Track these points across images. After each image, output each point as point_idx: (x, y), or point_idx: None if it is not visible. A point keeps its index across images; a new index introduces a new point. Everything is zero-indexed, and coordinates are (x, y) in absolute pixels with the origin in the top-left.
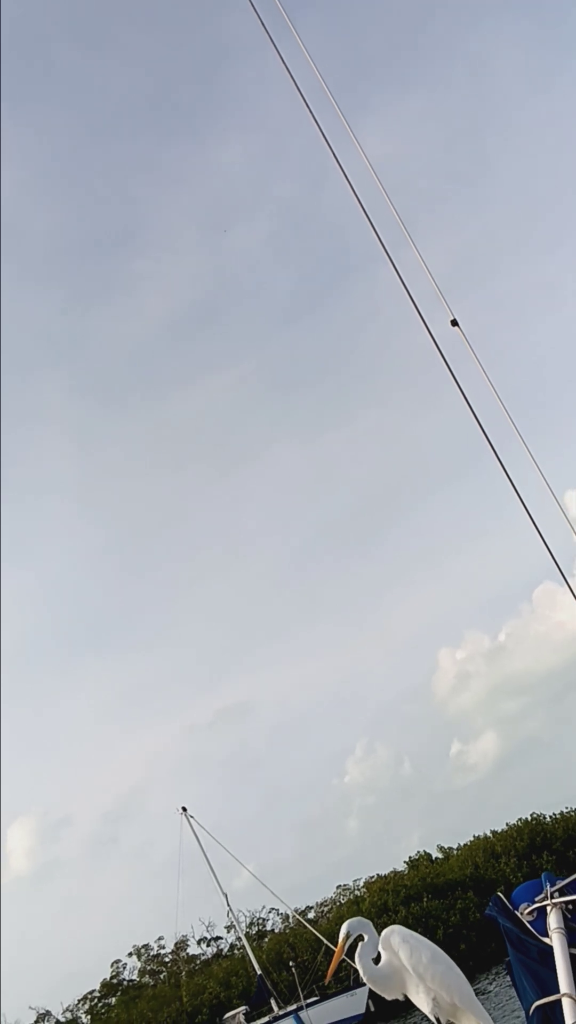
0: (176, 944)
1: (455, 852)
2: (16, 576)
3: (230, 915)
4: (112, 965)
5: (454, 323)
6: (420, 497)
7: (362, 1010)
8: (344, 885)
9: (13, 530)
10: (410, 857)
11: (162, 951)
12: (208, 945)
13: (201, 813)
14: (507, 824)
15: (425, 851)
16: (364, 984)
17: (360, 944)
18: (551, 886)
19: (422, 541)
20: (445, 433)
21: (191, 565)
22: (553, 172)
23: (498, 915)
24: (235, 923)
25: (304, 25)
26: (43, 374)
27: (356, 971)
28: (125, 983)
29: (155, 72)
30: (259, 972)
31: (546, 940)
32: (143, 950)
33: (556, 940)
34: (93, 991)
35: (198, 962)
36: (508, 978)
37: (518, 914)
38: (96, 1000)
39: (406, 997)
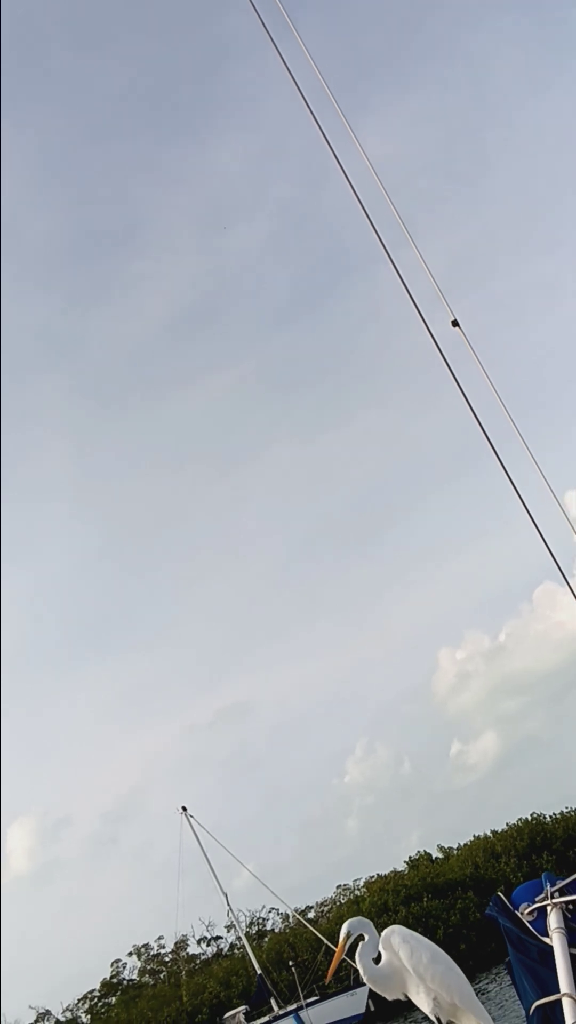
0: (176, 944)
1: (455, 852)
2: (15, 576)
3: (230, 915)
4: (112, 965)
5: (455, 323)
6: (420, 497)
7: (362, 1010)
8: (344, 885)
9: (12, 531)
10: (410, 857)
11: (162, 951)
12: (208, 945)
13: (201, 813)
14: (507, 824)
15: (425, 851)
16: (364, 984)
17: (360, 944)
18: (551, 886)
19: (422, 541)
20: (445, 433)
21: (190, 565)
22: (553, 172)
23: (498, 915)
24: (235, 923)
25: (304, 25)
26: (42, 375)
27: (356, 971)
28: (125, 983)
29: (154, 72)
30: (259, 972)
31: (546, 940)
32: (143, 950)
33: (556, 940)
34: (93, 991)
35: (198, 962)
36: (508, 978)
37: (518, 914)
38: (96, 1000)
39: (406, 997)
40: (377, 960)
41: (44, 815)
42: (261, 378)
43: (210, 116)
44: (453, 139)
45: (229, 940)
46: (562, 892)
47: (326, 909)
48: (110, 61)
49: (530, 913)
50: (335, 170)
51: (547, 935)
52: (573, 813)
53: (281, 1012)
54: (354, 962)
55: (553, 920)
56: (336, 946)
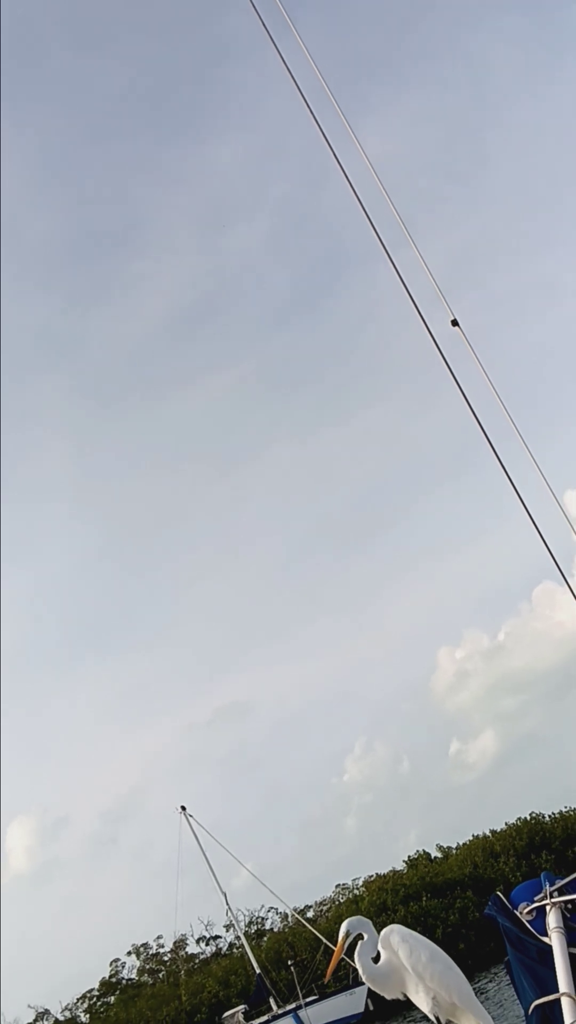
0: (175, 943)
1: (454, 851)
2: (15, 576)
3: (229, 914)
4: (111, 964)
5: (454, 323)
6: (419, 496)
7: (361, 1009)
8: (343, 884)
9: (12, 530)
10: (409, 856)
11: (161, 950)
12: (207, 944)
13: (200, 812)
14: (506, 823)
15: (424, 850)
16: (363, 983)
17: (359, 943)
18: (550, 885)
19: (421, 540)
20: (443, 432)
21: (190, 565)
22: (552, 171)
23: (497, 914)
24: (234, 922)
25: (303, 24)
26: (42, 375)
27: (355, 970)
28: (124, 982)
29: (154, 72)
30: (258, 971)
31: (545, 939)
32: (142, 949)
33: (555, 939)
34: (92, 990)
35: (197, 961)
36: (507, 977)
37: (517, 913)
38: (95, 999)
39: (405, 996)
40: (376, 959)
41: (43, 814)
42: (261, 378)
43: (210, 116)
44: (453, 138)
45: (228, 939)
46: (561, 891)
47: (325, 908)
48: (110, 61)
49: (529, 912)
50: (335, 169)
51: (546, 934)
52: (572, 812)
53: (280, 1011)
54: (353, 961)
55: (552, 919)
56: (335, 945)
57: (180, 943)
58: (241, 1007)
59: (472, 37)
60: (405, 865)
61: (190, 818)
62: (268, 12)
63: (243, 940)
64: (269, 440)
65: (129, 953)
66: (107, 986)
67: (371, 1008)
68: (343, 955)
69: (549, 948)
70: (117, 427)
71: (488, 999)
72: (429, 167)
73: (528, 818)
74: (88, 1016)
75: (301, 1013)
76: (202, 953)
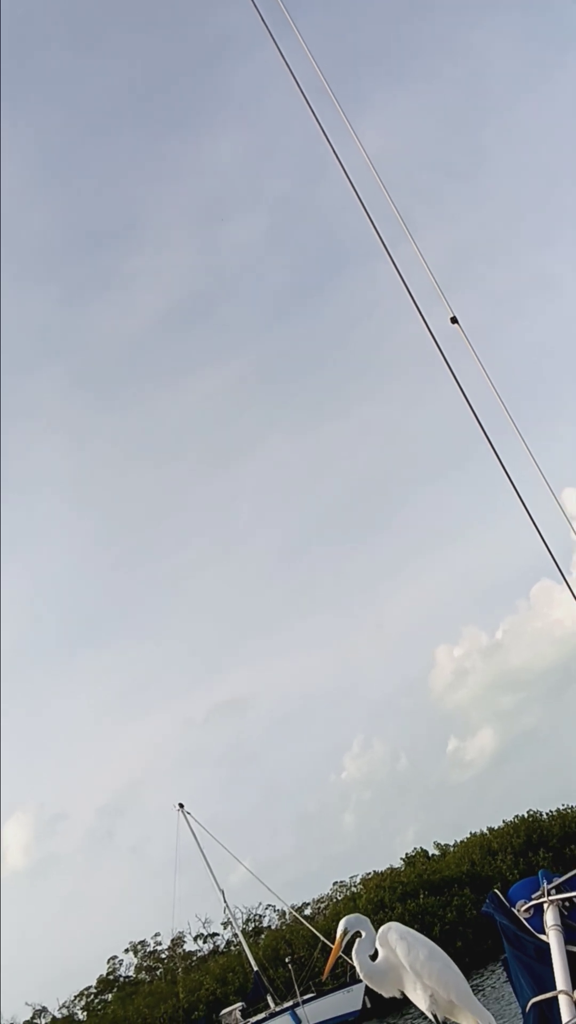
0: (173, 940)
1: (452, 849)
2: (10, 570)
3: (227, 911)
4: (109, 961)
5: (453, 320)
6: (416, 492)
7: (358, 1007)
8: (341, 881)
9: (9, 523)
10: (407, 854)
11: (159, 947)
12: (205, 941)
13: (197, 808)
14: (504, 821)
15: (422, 848)
16: (361, 981)
17: (357, 941)
18: (548, 883)
19: (418, 536)
20: (441, 427)
21: (186, 559)
22: (551, 167)
23: (495, 912)
24: (232, 919)
25: (302, 20)
26: (38, 369)
27: (353, 968)
28: (122, 979)
29: (152, 68)
30: (255, 968)
31: (543, 937)
32: (140, 946)
33: (553, 937)
34: (89, 987)
35: (195, 958)
36: (505, 975)
37: (515, 911)
38: (92, 996)
39: (403, 994)
40: (374, 957)
41: (40, 810)
42: (258, 372)
43: (208, 111)
44: (451, 134)
45: (226, 937)
46: (558, 889)
47: (323, 906)
48: (108, 57)
49: (527, 910)
50: (333, 165)
51: (544, 932)
52: (570, 810)
53: (277, 1009)
54: (351, 959)
55: (550, 917)
56: (332, 943)
57: (178, 940)
58: (239, 1004)
59: (471, 33)
60: (403, 862)
61: (188, 815)
62: (267, 8)
63: (241, 937)
64: (265, 434)
65: (127, 950)
66: (105, 983)
67: (368, 1006)
68: (341, 953)
69: (546, 946)
70: (115, 421)
71: (485, 997)
72: (428, 163)
73: (526, 816)
74: (86, 1014)
75: (299, 1011)
76: (200, 950)
